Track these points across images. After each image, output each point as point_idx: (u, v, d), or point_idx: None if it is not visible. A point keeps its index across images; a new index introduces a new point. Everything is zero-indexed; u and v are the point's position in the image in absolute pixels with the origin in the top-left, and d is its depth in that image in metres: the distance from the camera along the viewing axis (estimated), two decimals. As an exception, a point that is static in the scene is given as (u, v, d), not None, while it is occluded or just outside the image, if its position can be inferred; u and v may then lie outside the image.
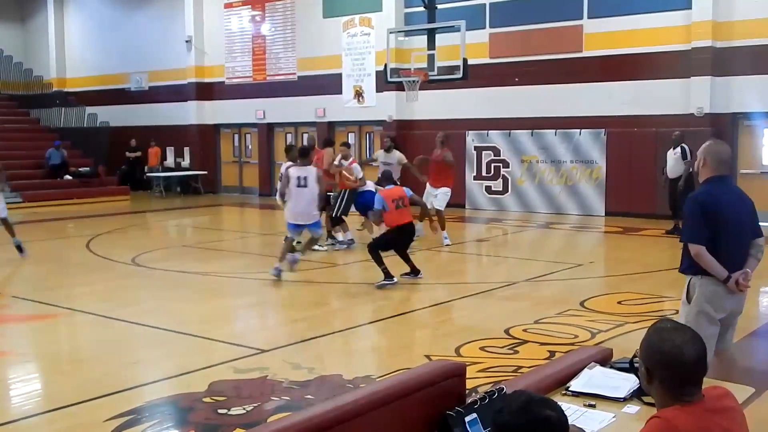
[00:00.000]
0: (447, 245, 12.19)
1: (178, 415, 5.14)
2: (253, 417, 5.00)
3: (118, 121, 24.97)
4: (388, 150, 13.40)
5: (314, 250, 11.28)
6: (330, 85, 20.56)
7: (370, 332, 7.56)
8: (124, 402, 5.34)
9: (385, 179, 9.90)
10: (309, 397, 5.38)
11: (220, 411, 5.13)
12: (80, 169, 22.86)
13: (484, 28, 17.97)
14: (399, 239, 9.28)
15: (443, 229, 12.25)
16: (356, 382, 5.62)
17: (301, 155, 9.69)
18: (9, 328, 8.10)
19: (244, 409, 5.17)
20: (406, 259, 9.38)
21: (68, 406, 5.34)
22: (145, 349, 6.99)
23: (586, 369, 3.50)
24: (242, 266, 11.04)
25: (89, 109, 25.58)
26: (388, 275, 9.02)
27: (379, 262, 9.06)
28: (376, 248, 9.16)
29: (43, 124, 25.52)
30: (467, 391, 3.76)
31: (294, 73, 21.62)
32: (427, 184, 12.62)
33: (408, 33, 18.67)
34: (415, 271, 9.41)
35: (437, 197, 12.37)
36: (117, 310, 8.18)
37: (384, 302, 8.92)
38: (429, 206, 11.81)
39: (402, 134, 19.47)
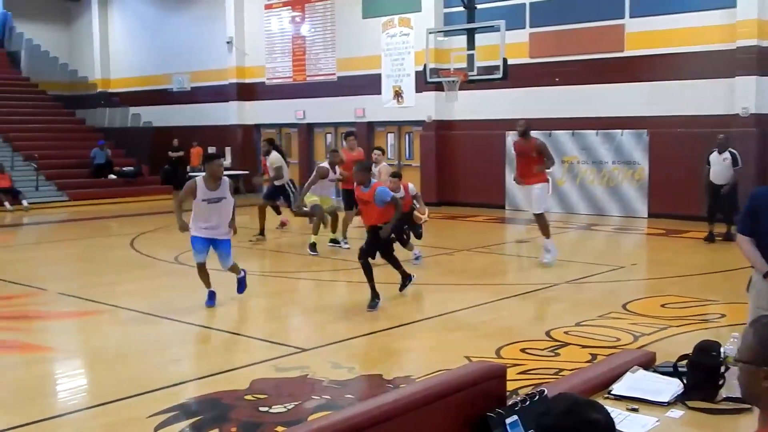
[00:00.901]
0: (546, 263, 10.50)
1: (220, 412, 5.19)
2: (294, 415, 5.04)
3: (160, 121, 25.30)
4: (266, 153, 13.63)
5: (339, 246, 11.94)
6: (369, 85, 20.61)
7: (409, 332, 7.56)
8: (167, 398, 5.42)
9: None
10: (349, 396, 5.40)
11: (261, 409, 5.18)
12: (124, 169, 23.24)
13: (524, 27, 17.86)
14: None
15: (547, 236, 10.54)
16: (396, 382, 5.63)
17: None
18: (54, 324, 8.27)
19: (284, 407, 5.21)
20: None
21: (112, 401, 5.42)
22: (187, 346, 7.09)
23: (628, 372, 3.46)
24: (282, 265, 11.12)
25: (133, 110, 25.97)
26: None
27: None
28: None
29: (88, 124, 25.97)
30: (508, 393, 3.75)
31: (333, 74, 21.71)
32: (515, 182, 11.46)
33: (447, 33, 18.63)
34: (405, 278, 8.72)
35: (532, 199, 10.76)
36: (160, 308, 8.30)
37: (424, 303, 8.93)
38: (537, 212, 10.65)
39: (441, 134, 19.46)
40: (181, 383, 5.87)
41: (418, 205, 10.93)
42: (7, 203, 19.52)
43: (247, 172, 23.68)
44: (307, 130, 22.68)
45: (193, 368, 6.31)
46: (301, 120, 22.50)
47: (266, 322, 8.07)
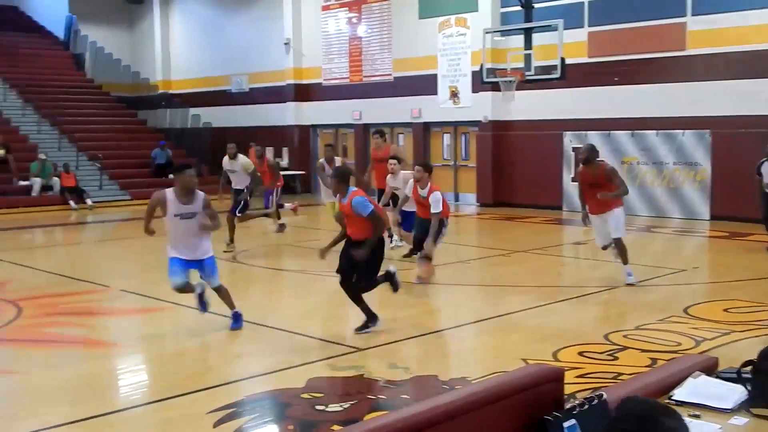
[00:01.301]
0: (631, 283, 9.20)
1: (277, 409, 5.26)
2: (350, 414, 5.07)
3: (219, 121, 25.69)
4: (233, 156, 12.49)
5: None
6: (425, 85, 20.59)
7: (466, 334, 7.54)
8: (225, 395, 5.51)
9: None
10: (405, 396, 5.41)
11: (317, 407, 5.23)
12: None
13: (582, 26, 17.64)
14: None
15: (625, 262, 9.29)
16: (452, 384, 5.62)
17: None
18: (117, 320, 8.47)
19: (341, 406, 5.25)
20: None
21: (172, 397, 5.53)
22: (245, 344, 7.18)
23: (690, 378, 3.39)
24: (335, 264, 11.16)
25: (193, 111, 26.42)
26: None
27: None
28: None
29: (149, 125, 26.52)
30: (565, 397, 3.71)
31: (390, 74, 21.75)
32: (585, 220, 9.64)
33: (504, 33, 18.51)
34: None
35: (609, 223, 9.30)
36: (218, 306, 8.39)
37: (480, 304, 8.89)
38: (604, 244, 9.56)
39: (498, 135, 19.33)
40: (238, 380, 5.96)
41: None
42: (72, 202, 20.07)
43: (303, 172, 23.89)
44: (364, 131, 22.75)
45: (251, 366, 6.40)
46: (358, 121, 22.60)
47: (322, 322, 8.12)
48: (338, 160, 12.84)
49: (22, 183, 20.43)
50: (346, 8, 22.68)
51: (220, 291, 7.42)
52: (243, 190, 12.43)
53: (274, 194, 14.47)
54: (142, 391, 6.02)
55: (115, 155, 23.32)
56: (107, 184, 21.90)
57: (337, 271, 7.25)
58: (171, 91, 27.96)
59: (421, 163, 9.88)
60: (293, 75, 23.95)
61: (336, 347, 6.71)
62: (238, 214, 12.36)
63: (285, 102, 24.20)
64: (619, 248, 9.32)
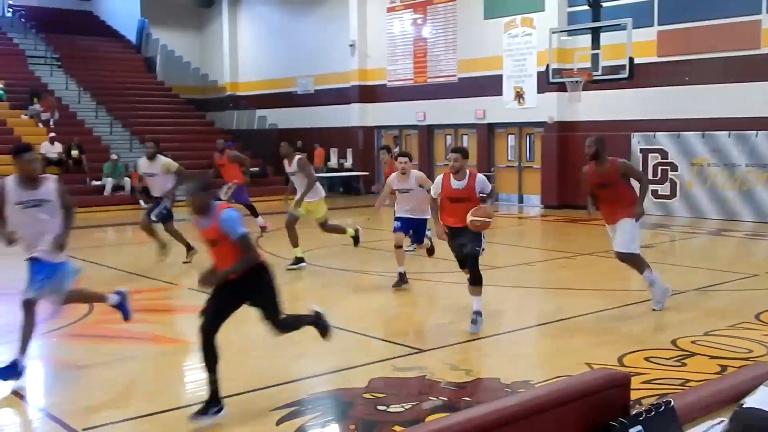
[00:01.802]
0: (657, 308, 8.08)
1: (339, 409, 5.29)
2: (411, 415, 5.07)
3: (285, 123, 26.01)
4: (151, 158, 11.11)
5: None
6: (490, 86, 20.47)
7: (529, 337, 7.46)
8: (289, 393, 5.57)
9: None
10: (466, 399, 5.39)
11: (379, 407, 5.25)
12: (251, 169, 24.00)
13: (651, 25, 17.30)
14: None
15: (642, 271, 8.12)
16: (515, 387, 5.57)
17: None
18: (185, 317, 8.64)
19: (402, 407, 5.25)
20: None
21: (237, 394, 5.62)
22: (308, 343, 7.22)
23: (762, 386, 3.30)
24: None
25: (259, 112, 26.81)
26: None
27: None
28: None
29: (217, 126, 27.00)
30: (631, 403, 3.65)
31: (454, 75, 21.69)
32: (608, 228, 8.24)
33: (571, 32, 18.28)
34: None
35: (617, 235, 8.02)
36: (283, 305, 8.50)
37: (543, 307, 8.79)
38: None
39: (563, 136, 19.10)
40: (301, 379, 6.03)
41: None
42: (142, 201, 20.56)
43: (367, 173, 23.99)
44: (428, 132, 22.75)
45: (313, 365, 6.45)
46: (422, 122, 22.60)
47: (384, 322, 8.14)
48: (297, 157, 11.07)
49: (95, 183, 21.05)
50: (411, 9, 22.71)
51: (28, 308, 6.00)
52: (163, 197, 11.09)
53: (228, 190, 14.33)
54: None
55: (184, 156, 23.70)
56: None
57: (201, 327, 5.43)
58: (238, 93, 28.42)
59: (458, 148, 7.75)
60: (358, 76, 24.10)
61: (398, 348, 6.72)
62: (153, 218, 11.13)
63: (350, 103, 24.36)
64: (633, 265, 8.10)
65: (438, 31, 22.08)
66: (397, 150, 14.82)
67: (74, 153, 21.53)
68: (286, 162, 11.17)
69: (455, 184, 7.35)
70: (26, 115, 23.20)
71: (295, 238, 10.86)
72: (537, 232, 16.66)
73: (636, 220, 7.84)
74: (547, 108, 19.20)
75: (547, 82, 17.61)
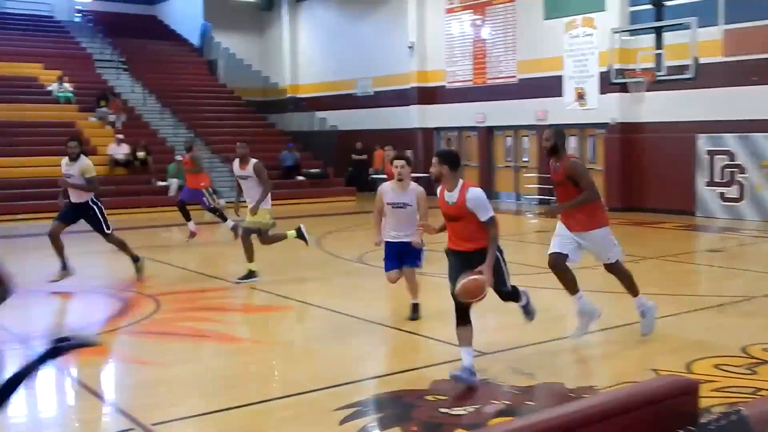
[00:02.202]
0: (645, 333, 7.14)
1: (401, 410, 5.32)
2: (474, 418, 5.07)
3: (345, 125, 26.18)
4: (74, 158, 9.84)
5: None
6: (551, 87, 20.27)
7: (592, 341, 7.37)
8: (351, 393, 5.62)
9: None
10: (529, 403, 5.36)
11: (441, 410, 5.25)
12: (311, 171, 24.28)
13: (716, 24, 16.91)
14: None
15: (635, 294, 7.19)
16: (579, 392, 5.52)
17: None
18: (247, 316, 8.80)
19: (464, 410, 5.25)
20: None
21: (300, 393, 5.69)
22: (370, 344, 7.29)
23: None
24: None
25: (319, 114, 27.05)
26: None
27: None
28: None
29: (278, 128, 27.32)
30: (700, 411, 3.58)
31: (514, 76, 21.54)
32: (559, 225, 7.07)
33: (634, 32, 17.99)
34: None
35: (597, 246, 7.11)
36: (345, 305, 8.58)
37: (607, 311, 8.66)
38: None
39: (627, 137, 18.80)
40: (364, 380, 6.07)
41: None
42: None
43: (427, 175, 23.98)
44: (487, 134, 22.64)
45: (376, 366, 6.50)
46: (481, 123, 22.50)
47: (446, 324, 8.13)
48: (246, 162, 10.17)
49: (160, 183, 21.50)
50: (470, 10, 22.63)
51: None
52: (89, 202, 10.00)
53: (208, 195, 14.12)
54: (272, 386, 6.23)
55: (245, 158, 24.15)
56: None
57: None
58: (298, 95, 28.71)
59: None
60: (417, 78, 24.12)
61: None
62: (108, 231, 10.16)
63: (409, 105, 24.40)
64: (618, 274, 7.26)
65: (497, 31, 21.96)
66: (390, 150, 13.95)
67: (140, 154, 22.03)
68: (237, 163, 10.16)
69: (447, 197, 5.90)
70: (94, 117, 23.83)
71: (250, 250, 10.03)
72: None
73: (595, 225, 6.88)
74: (609, 109, 18.92)
75: (609, 83, 17.38)
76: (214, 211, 14.46)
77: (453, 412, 5.20)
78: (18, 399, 6.03)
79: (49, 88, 24.51)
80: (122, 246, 10.32)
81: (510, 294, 6.29)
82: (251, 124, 26.97)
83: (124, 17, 31.56)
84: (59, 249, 9.89)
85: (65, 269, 9.95)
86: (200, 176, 14.45)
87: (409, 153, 13.05)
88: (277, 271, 11.24)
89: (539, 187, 20.93)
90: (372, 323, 7.79)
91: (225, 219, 14.20)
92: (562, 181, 6.87)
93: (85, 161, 9.93)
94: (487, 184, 22.51)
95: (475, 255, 5.73)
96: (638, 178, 18.64)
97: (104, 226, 10.09)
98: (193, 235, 14.10)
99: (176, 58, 29.55)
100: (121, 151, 21.89)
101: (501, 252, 5.96)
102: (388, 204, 7.59)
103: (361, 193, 24.15)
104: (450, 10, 23.25)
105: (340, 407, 5.29)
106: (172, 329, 7.83)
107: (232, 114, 27.11)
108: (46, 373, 6.67)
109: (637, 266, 11.35)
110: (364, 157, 25.34)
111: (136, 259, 10.37)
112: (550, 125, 20.60)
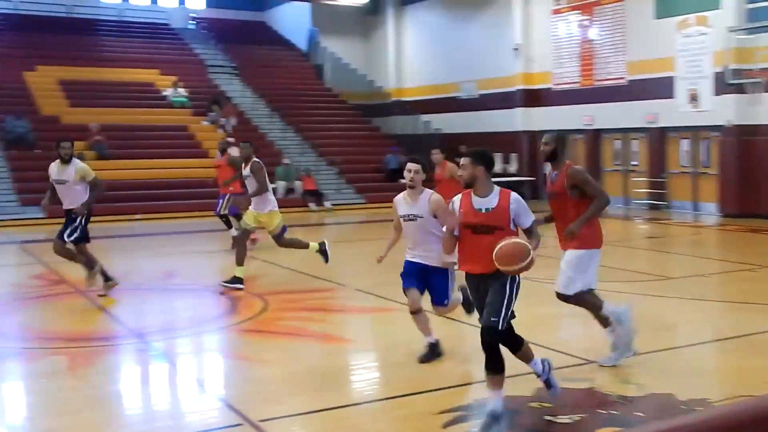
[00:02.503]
0: (605, 362, 6.34)
1: (505, 416, 5.27)
2: (581, 427, 4.97)
3: (449, 127, 26.14)
4: (66, 160, 9.06)
5: None
6: (662, 89, 19.65)
7: (705, 352, 7.11)
8: (455, 397, 5.62)
9: None
10: (638, 414, 5.21)
11: (546, 417, 5.18)
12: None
13: None
14: None
15: (605, 325, 6.38)
16: (691, 405, 5.33)
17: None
18: (353, 318, 8.90)
19: (570, 418, 5.16)
20: None
21: (404, 395, 5.72)
22: (474, 347, 7.23)
23: None
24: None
25: (424, 117, 27.11)
26: None
27: None
28: None
29: (383, 131, 27.56)
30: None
31: (623, 77, 20.99)
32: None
33: (752, 30, 17.24)
34: None
35: (560, 268, 6.39)
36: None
37: (721, 321, 8.35)
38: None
39: (744, 140, 18.03)
40: (468, 384, 6.04)
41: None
42: (312, 204, 21.36)
43: (533, 179, 23.67)
44: (595, 137, 22.15)
45: (480, 370, 6.44)
46: (589, 126, 22.03)
47: (551, 331, 8.02)
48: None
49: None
50: (578, 11, 22.21)
51: None
52: (76, 212, 9.09)
53: (225, 199, 13.23)
54: (375, 388, 6.28)
55: (352, 161, 24.51)
56: (344, 188, 23.09)
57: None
58: (403, 99, 28.87)
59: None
60: (522, 80, 23.85)
61: (566, 357, 6.59)
62: (68, 239, 9.08)
63: (513, 107, 24.15)
64: (583, 305, 6.44)
65: (606, 32, 21.45)
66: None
67: (250, 157, 22.64)
68: (243, 164, 10.67)
69: (479, 203, 5.13)
70: (206, 121, 24.66)
71: (242, 255, 9.93)
72: (714, 241, 15.81)
73: (575, 244, 6.13)
74: (725, 111, 18.18)
75: (724, 84, 16.70)
76: (222, 216, 13.71)
77: (559, 420, 5.12)
78: (133, 392, 6.31)
79: (165, 93, 25.54)
80: (70, 258, 9.30)
81: (497, 333, 5.03)
82: (356, 127, 27.32)
83: (236, 24, 32.55)
84: (75, 258, 9.26)
85: (107, 279, 9.41)
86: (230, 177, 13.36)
87: (439, 152, 12.43)
88: (382, 273, 11.33)
89: (649, 192, 20.34)
90: (475, 327, 7.74)
91: (230, 227, 13.53)
92: (560, 191, 6.19)
93: (80, 164, 9.16)
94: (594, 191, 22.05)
95: (493, 278, 4.99)
96: (755, 183, 17.83)
97: (72, 232, 9.04)
98: (254, 241, 13.24)
99: (284, 63, 30.26)
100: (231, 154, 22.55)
101: (518, 283, 5.14)
102: (400, 217, 6.51)
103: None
104: (556, 11, 22.88)
105: (443, 411, 5.28)
106: (279, 328, 8.01)
107: (339, 117, 27.53)
108: (159, 367, 6.97)
109: (755, 275, 10.91)
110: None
111: (90, 266, 9.29)
112: (661, 128, 20.01)
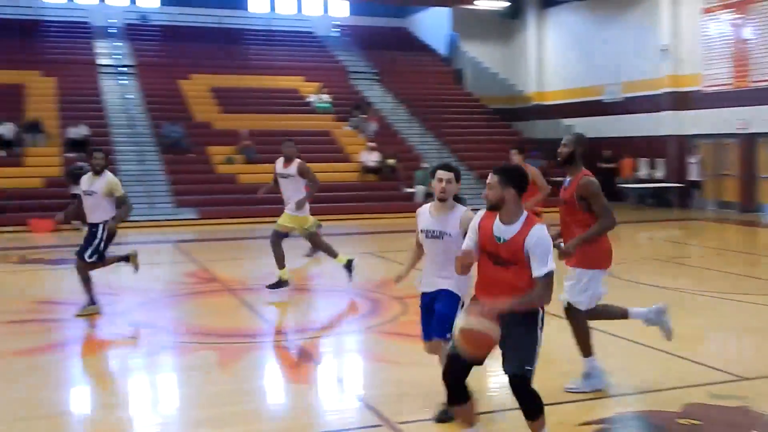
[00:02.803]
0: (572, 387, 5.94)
1: (649, 431, 5.09)
2: (732, 447, 4.73)
3: (592, 132, 25.37)
4: (98, 171, 8.72)
5: None
6: (827, 89, 18.39)
7: None
8: (597, 409, 5.48)
9: None
10: (798, 436, 4.91)
11: (695, 435, 4.97)
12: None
13: None
14: None
15: (586, 354, 6.03)
16: None
17: None
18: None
19: (721, 437, 4.92)
20: None
21: (548, 404, 5.53)
22: (619, 359, 7.03)
23: None
24: (719, 285, 10.46)
25: (565, 121, 26.58)
26: None
27: None
28: None
29: (524, 136, 27.21)
30: None
31: (781, 79, 19.80)
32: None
33: None
34: None
35: (566, 282, 5.95)
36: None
37: None
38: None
39: None
40: (610, 396, 5.87)
41: None
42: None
43: (682, 185, 22.71)
44: (749, 141, 20.99)
45: (623, 382, 6.26)
46: (742, 130, 20.90)
47: (701, 344, 7.67)
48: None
49: (407, 190, 22.27)
50: (731, 9, 21.13)
51: None
52: (100, 225, 8.66)
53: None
54: (506, 396, 6.18)
55: (490, 165, 24.26)
56: (482, 192, 22.96)
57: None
58: (544, 103, 28.42)
59: (508, 169, 4.49)
60: (670, 82, 22.94)
61: (716, 373, 6.30)
62: (89, 260, 8.66)
63: (660, 111, 23.26)
64: (572, 326, 6.02)
65: (761, 31, 20.28)
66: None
67: (390, 162, 22.97)
68: (281, 162, 10.08)
69: (500, 231, 4.36)
70: (349, 126, 25.21)
71: (281, 256, 9.75)
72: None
73: (560, 258, 5.54)
74: None
75: None
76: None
77: (708, 439, 4.90)
78: (276, 387, 6.53)
79: (309, 99, 26.31)
80: (86, 282, 8.78)
81: (529, 381, 4.37)
82: (497, 132, 27.11)
83: (377, 30, 33.09)
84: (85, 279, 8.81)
85: (92, 304, 8.78)
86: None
87: (517, 152, 9.97)
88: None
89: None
90: (621, 338, 7.51)
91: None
92: (569, 200, 5.77)
93: (111, 177, 8.71)
94: (749, 195, 20.91)
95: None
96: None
97: (93, 252, 8.64)
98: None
99: (424, 68, 30.48)
100: (372, 158, 22.97)
101: (542, 318, 4.39)
102: (421, 231, 5.40)
103: (610, 202, 23.33)
104: (708, 10, 21.86)
105: (586, 422, 5.18)
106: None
107: (478, 122, 27.43)
108: (301, 365, 7.18)
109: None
110: (613, 165, 24.49)
111: (91, 302, 8.81)
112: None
